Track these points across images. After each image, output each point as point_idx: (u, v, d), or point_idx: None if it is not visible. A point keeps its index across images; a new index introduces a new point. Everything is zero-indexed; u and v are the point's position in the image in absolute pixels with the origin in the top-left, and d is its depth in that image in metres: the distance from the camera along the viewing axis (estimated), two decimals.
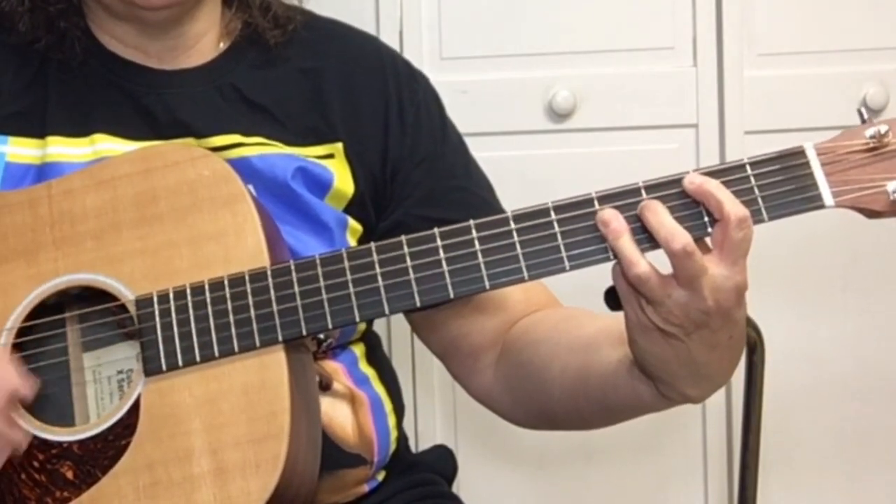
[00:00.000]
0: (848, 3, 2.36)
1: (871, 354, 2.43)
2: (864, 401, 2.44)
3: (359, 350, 1.65)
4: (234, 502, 1.34)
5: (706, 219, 1.32)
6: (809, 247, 2.35)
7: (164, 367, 1.37)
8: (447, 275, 1.35)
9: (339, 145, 1.60)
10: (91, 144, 1.54)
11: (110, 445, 1.38)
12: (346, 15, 1.75)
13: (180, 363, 1.37)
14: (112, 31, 1.58)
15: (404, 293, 1.36)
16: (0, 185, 1.51)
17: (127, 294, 1.40)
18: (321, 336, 1.53)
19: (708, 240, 1.32)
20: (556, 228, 1.34)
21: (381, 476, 1.65)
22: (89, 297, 1.43)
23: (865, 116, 1.35)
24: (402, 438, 1.70)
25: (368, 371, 1.65)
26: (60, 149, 1.53)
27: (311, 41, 1.65)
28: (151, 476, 1.36)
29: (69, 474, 1.38)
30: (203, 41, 1.60)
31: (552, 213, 1.35)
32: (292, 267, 1.38)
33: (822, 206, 1.34)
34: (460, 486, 1.82)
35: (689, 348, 1.34)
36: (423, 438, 2.38)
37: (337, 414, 1.58)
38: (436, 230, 1.36)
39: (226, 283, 1.38)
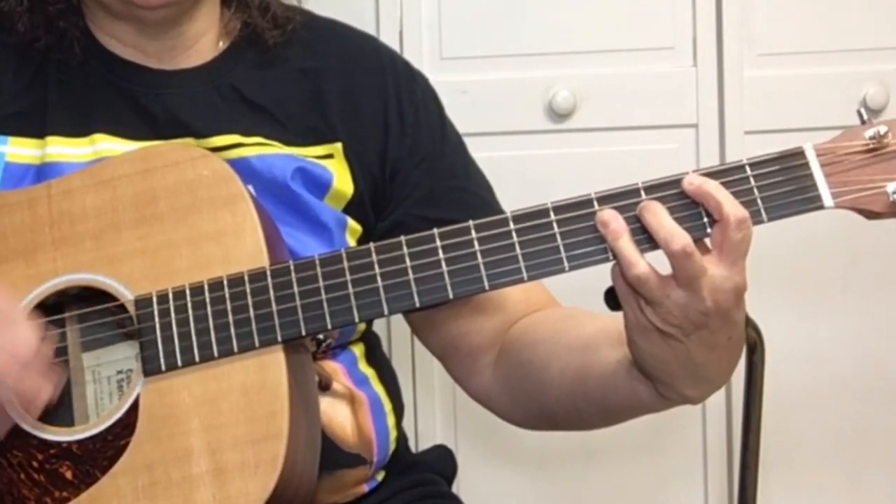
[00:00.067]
0: (848, 3, 2.36)
1: (871, 355, 2.43)
2: (864, 401, 2.44)
3: (358, 350, 1.65)
4: (233, 502, 1.34)
5: (705, 219, 1.32)
6: (809, 247, 2.35)
7: (163, 368, 1.37)
8: (446, 275, 1.35)
9: (339, 145, 1.60)
10: (91, 144, 1.54)
11: (109, 445, 1.38)
12: (346, 15, 1.75)
13: (179, 363, 1.37)
14: (111, 31, 1.58)
15: (403, 293, 1.36)
16: (0, 185, 1.51)
17: (126, 294, 1.40)
18: (320, 336, 1.53)
19: (707, 241, 1.32)
20: (556, 229, 1.34)
21: (380, 476, 1.65)
22: (88, 297, 1.43)
23: (865, 117, 1.35)
24: (402, 438, 1.70)
25: (368, 371, 1.65)
26: (60, 149, 1.53)
27: (311, 41, 1.65)
28: (150, 476, 1.36)
29: (68, 474, 1.38)
30: (202, 41, 1.60)
31: (551, 213, 1.35)
32: (292, 267, 1.38)
33: (821, 207, 1.34)
34: (460, 486, 1.82)
35: (687, 349, 1.34)
36: (423, 438, 2.38)
37: (336, 414, 1.58)
38: (435, 231, 1.36)
39: (225, 283, 1.38)
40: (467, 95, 2.33)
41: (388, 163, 1.62)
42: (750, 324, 1.88)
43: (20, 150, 1.53)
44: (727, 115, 2.36)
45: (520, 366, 1.57)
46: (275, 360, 1.36)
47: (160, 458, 1.36)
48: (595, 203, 1.34)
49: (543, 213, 1.35)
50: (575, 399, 1.50)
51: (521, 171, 2.32)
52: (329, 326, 1.37)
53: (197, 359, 1.37)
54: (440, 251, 1.36)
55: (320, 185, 1.58)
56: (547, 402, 1.54)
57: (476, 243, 1.35)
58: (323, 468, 1.47)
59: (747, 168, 1.33)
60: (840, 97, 2.33)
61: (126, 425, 1.37)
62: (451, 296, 1.35)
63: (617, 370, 1.44)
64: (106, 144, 1.54)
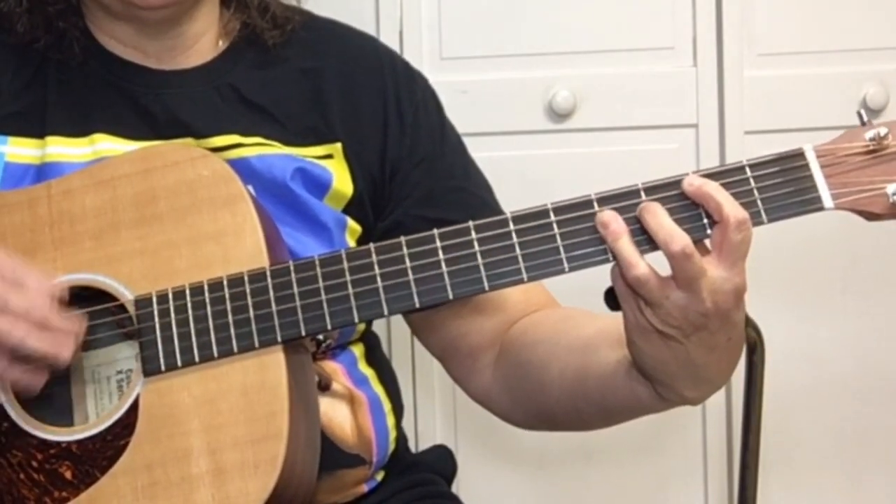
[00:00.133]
0: (848, 3, 2.36)
1: (871, 355, 2.43)
2: (864, 401, 2.44)
3: (358, 350, 1.65)
4: (233, 503, 1.34)
5: (705, 221, 1.32)
6: (809, 248, 2.35)
7: (162, 368, 1.37)
8: (446, 276, 1.35)
9: (338, 145, 1.60)
10: (91, 144, 1.54)
11: (109, 445, 1.38)
12: (346, 15, 1.75)
13: (179, 363, 1.37)
14: (111, 32, 1.58)
15: (403, 294, 1.36)
16: (0, 185, 1.51)
17: (126, 294, 1.40)
18: (320, 337, 1.53)
19: (707, 242, 1.32)
20: (556, 230, 1.34)
21: (380, 476, 1.65)
22: (88, 297, 1.43)
23: (865, 119, 1.35)
24: (402, 438, 1.70)
25: (367, 371, 1.65)
26: (60, 149, 1.53)
27: (310, 41, 1.65)
28: (150, 476, 1.36)
29: (68, 474, 1.38)
30: (201, 41, 1.60)
31: (551, 214, 1.35)
32: (291, 267, 1.38)
33: (821, 209, 1.34)
34: (460, 486, 1.82)
35: (687, 350, 1.34)
36: (423, 438, 2.38)
37: (336, 414, 1.58)
38: (435, 231, 1.36)
39: (225, 283, 1.38)
40: (467, 95, 2.33)
41: (388, 163, 1.62)
42: (750, 324, 1.89)
43: (20, 150, 1.53)
44: (727, 115, 2.36)
45: (519, 366, 1.57)
46: (275, 361, 1.36)
47: (160, 458, 1.36)
48: (595, 204, 1.34)
49: (543, 213, 1.35)
50: (574, 399, 1.50)
51: (521, 171, 2.32)
52: (329, 327, 1.37)
53: (197, 359, 1.37)
54: (440, 252, 1.36)
55: (320, 186, 1.58)
56: (546, 403, 1.54)
57: (476, 244, 1.35)
58: (322, 468, 1.47)
59: (747, 169, 1.33)
60: (840, 97, 2.33)
61: (126, 425, 1.37)
62: (450, 296, 1.35)
63: (616, 371, 1.44)
64: (106, 144, 1.54)
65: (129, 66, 1.58)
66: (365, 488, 1.62)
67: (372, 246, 1.37)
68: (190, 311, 1.38)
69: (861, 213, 1.35)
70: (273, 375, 1.36)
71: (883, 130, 1.34)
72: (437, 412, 2.42)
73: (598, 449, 2.43)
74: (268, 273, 1.38)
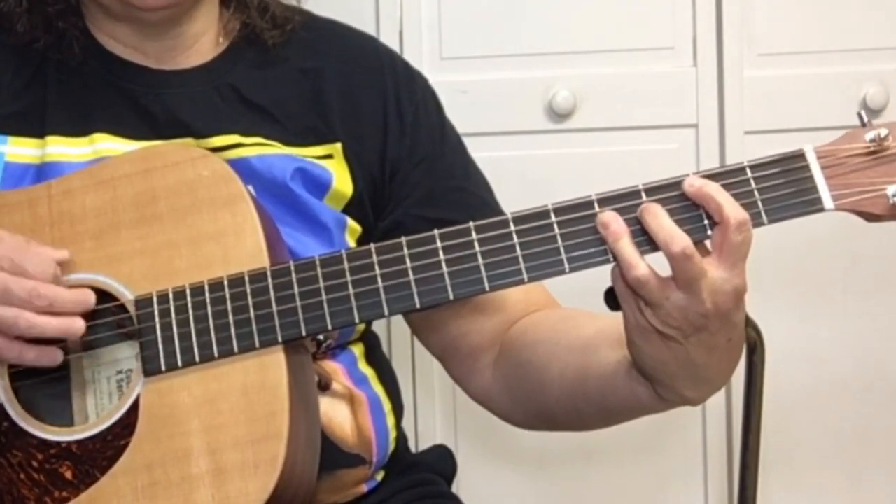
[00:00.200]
0: (848, 3, 2.36)
1: (871, 355, 2.43)
2: (864, 401, 2.44)
3: (358, 350, 1.65)
4: (233, 503, 1.34)
5: (706, 222, 1.32)
6: (810, 249, 2.35)
7: (163, 368, 1.38)
8: (447, 276, 1.35)
9: (338, 145, 1.60)
10: (91, 144, 1.54)
11: (109, 445, 1.38)
12: (346, 15, 1.75)
13: (179, 363, 1.37)
14: (110, 32, 1.58)
15: (404, 294, 1.36)
16: (0, 185, 1.51)
17: (126, 294, 1.40)
18: (320, 337, 1.53)
19: (707, 243, 1.32)
20: (556, 230, 1.34)
21: (380, 476, 1.65)
22: None
23: (865, 120, 1.35)
24: (402, 438, 1.70)
25: (367, 371, 1.65)
26: (60, 148, 1.53)
27: (310, 41, 1.65)
28: (150, 476, 1.36)
29: (68, 474, 1.38)
30: (201, 41, 1.60)
31: (552, 215, 1.35)
32: (292, 268, 1.38)
33: (821, 210, 1.34)
34: (460, 486, 1.82)
35: (687, 350, 1.34)
36: (423, 438, 2.38)
37: (336, 414, 1.58)
38: (436, 231, 1.36)
39: (225, 283, 1.38)
40: (467, 95, 2.33)
41: (388, 163, 1.62)
42: (750, 324, 1.88)
43: (20, 149, 1.53)
44: (727, 115, 2.36)
45: (519, 366, 1.57)
46: (275, 361, 1.36)
47: (160, 458, 1.36)
48: (596, 204, 1.34)
49: (544, 214, 1.35)
50: (574, 400, 1.50)
51: (521, 171, 2.32)
52: (329, 327, 1.37)
53: (197, 359, 1.37)
54: (441, 252, 1.36)
55: (320, 186, 1.58)
56: (546, 403, 1.54)
57: (477, 244, 1.35)
58: (322, 468, 1.47)
59: (748, 170, 1.33)
60: (840, 97, 2.33)
61: (126, 425, 1.37)
62: (451, 297, 1.35)
63: (616, 371, 1.44)
64: (106, 144, 1.54)
65: (129, 66, 1.58)
66: (365, 488, 1.62)
67: (372, 246, 1.37)
68: (190, 311, 1.38)
69: (861, 214, 1.35)
70: (273, 375, 1.36)
71: (883, 131, 1.34)
72: (437, 412, 2.42)
73: (598, 449, 2.43)
74: (268, 273, 1.38)
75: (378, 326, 1.75)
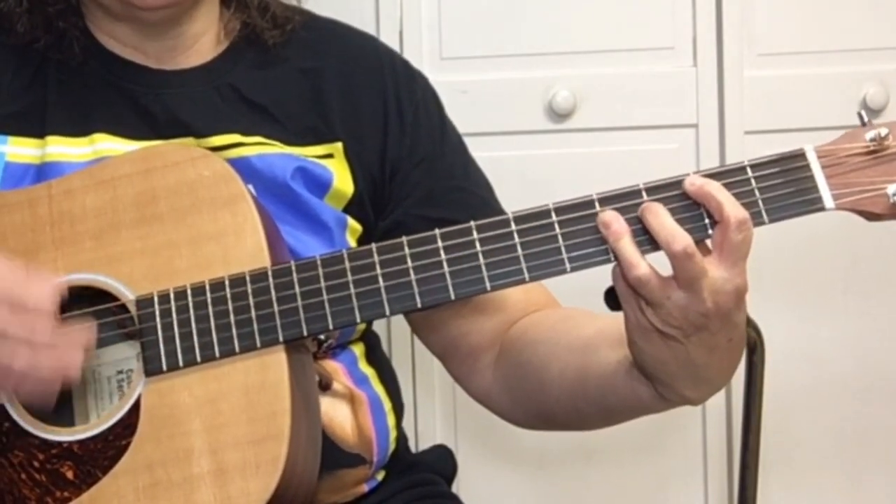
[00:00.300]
0: (848, 3, 2.36)
1: (871, 355, 2.43)
2: (864, 401, 2.44)
3: (358, 350, 1.65)
4: (234, 503, 1.34)
5: (706, 221, 1.32)
6: (810, 249, 2.35)
7: (164, 368, 1.37)
8: (448, 276, 1.35)
9: (339, 145, 1.60)
10: (91, 144, 1.54)
11: (110, 445, 1.38)
12: (346, 15, 1.75)
13: (181, 363, 1.37)
14: (111, 32, 1.58)
15: (405, 294, 1.36)
16: (0, 185, 1.51)
17: (127, 294, 1.40)
18: (321, 337, 1.53)
19: (708, 242, 1.32)
20: (557, 230, 1.34)
21: (380, 476, 1.65)
22: (89, 297, 1.43)
23: (865, 119, 1.35)
24: (402, 438, 1.70)
25: (368, 371, 1.65)
26: (60, 148, 1.53)
27: (310, 41, 1.65)
28: (151, 476, 1.36)
29: (69, 474, 1.38)
30: (202, 41, 1.60)
31: (553, 214, 1.35)
32: (293, 267, 1.38)
33: (822, 209, 1.34)
34: (460, 486, 1.82)
35: (687, 350, 1.34)
36: (423, 438, 2.38)
37: (336, 414, 1.58)
38: (437, 231, 1.36)
39: (227, 283, 1.38)
40: (467, 95, 2.33)
41: (388, 162, 1.62)
42: (750, 324, 1.89)
43: (20, 149, 1.53)
44: (727, 115, 2.36)
45: (520, 366, 1.57)
46: (276, 361, 1.36)
47: (161, 458, 1.36)
48: (596, 204, 1.34)
49: (545, 213, 1.35)
50: (575, 399, 1.50)
51: (521, 171, 2.32)
52: (331, 327, 1.37)
53: (198, 359, 1.37)
54: (442, 252, 1.36)
55: (320, 185, 1.58)
56: (547, 403, 1.54)
57: (478, 244, 1.35)
58: (323, 468, 1.47)
59: (748, 169, 1.33)
60: (840, 97, 2.33)
61: (127, 425, 1.37)
62: (452, 296, 1.35)
63: (617, 370, 1.44)
64: (106, 144, 1.54)
65: (130, 66, 1.58)
66: (365, 488, 1.62)
67: (373, 246, 1.37)
68: (192, 311, 1.38)
69: (862, 213, 1.35)
70: (275, 375, 1.36)
71: (883, 131, 1.34)
72: (437, 412, 2.42)
73: (598, 449, 2.43)
74: (269, 273, 1.38)
75: (378, 326, 1.75)
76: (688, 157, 2.36)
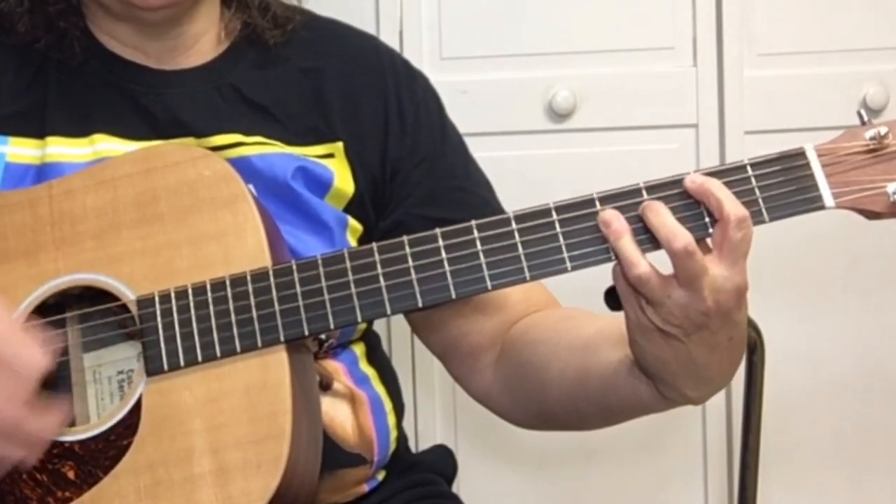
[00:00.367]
0: (848, 3, 2.37)
1: (872, 354, 2.43)
2: (864, 401, 2.44)
3: (359, 350, 1.65)
4: (235, 503, 1.33)
5: (707, 219, 1.32)
6: (810, 248, 2.35)
7: (165, 367, 1.37)
8: (449, 275, 1.35)
9: (340, 145, 1.60)
10: (91, 144, 1.54)
11: (112, 445, 1.38)
12: (346, 15, 1.75)
13: (182, 363, 1.37)
14: (111, 32, 1.58)
15: (406, 293, 1.36)
16: (0, 185, 1.51)
17: (127, 294, 1.40)
18: (322, 336, 1.53)
19: (709, 241, 1.32)
20: (558, 229, 1.34)
21: (380, 476, 1.65)
22: (90, 297, 1.43)
23: (865, 118, 1.35)
24: (402, 438, 1.70)
25: (368, 371, 1.65)
26: (60, 149, 1.53)
27: (311, 41, 1.65)
28: (152, 476, 1.35)
29: (70, 474, 1.38)
30: (202, 41, 1.60)
31: (553, 213, 1.35)
32: (294, 267, 1.38)
33: (822, 207, 1.34)
34: (460, 486, 1.82)
35: (688, 349, 1.34)
36: (423, 438, 2.39)
37: (337, 414, 1.58)
38: (437, 230, 1.36)
39: (227, 283, 1.38)
40: (467, 95, 2.33)
41: (389, 162, 1.62)
42: (750, 324, 1.88)
43: (20, 150, 1.53)
44: (727, 115, 2.36)
45: (520, 366, 1.57)
46: (277, 360, 1.36)
47: (162, 458, 1.36)
48: (597, 203, 1.34)
49: (545, 212, 1.35)
50: (575, 399, 1.50)
51: (522, 171, 2.32)
52: (332, 326, 1.36)
53: (199, 359, 1.37)
54: (443, 251, 1.36)
55: (321, 185, 1.58)
56: (547, 402, 1.54)
57: (478, 243, 1.35)
58: (323, 468, 1.47)
59: (749, 168, 1.33)
60: (840, 97, 2.33)
61: (128, 425, 1.37)
62: (453, 296, 1.35)
63: (618, 370, 1.44)
64: (106, 144, 1.54)
65: (130, 66, 1.58)
66: (366, 488, 1.62)
67: (374, 245, 1.37)
68: (192, 311, 1.38)
69: (862, 211, 1.35)
70: (276, 375, 1.36)
71: (883, 129, 1.34)
72: (437, 412, 2.43)
73: (598, 449, 2.43)
74: (270, 273, 1.38)
75: (378, 325, 1.75)
76: (688, 157, 2.36)
